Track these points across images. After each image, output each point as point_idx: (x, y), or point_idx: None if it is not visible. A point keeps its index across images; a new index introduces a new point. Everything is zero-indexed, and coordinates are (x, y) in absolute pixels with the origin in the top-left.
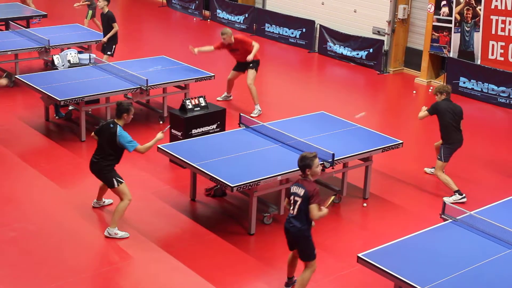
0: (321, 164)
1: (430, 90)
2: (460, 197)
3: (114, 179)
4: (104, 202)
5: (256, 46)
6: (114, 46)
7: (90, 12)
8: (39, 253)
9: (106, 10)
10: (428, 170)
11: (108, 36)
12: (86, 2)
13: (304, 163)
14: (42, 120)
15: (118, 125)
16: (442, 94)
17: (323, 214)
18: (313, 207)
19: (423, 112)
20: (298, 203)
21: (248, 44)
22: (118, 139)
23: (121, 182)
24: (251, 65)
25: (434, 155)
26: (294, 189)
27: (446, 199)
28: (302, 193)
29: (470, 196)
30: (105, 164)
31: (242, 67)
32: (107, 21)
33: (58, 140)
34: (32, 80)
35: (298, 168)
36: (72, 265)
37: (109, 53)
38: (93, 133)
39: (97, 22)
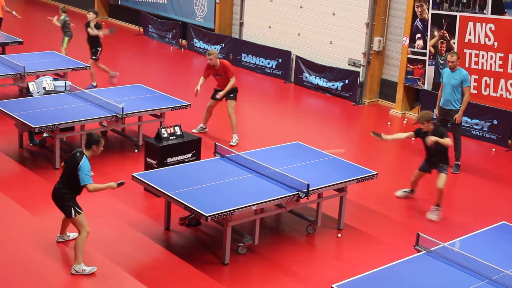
0: (296, 194)
1: (404, 122)
2: (439, 212)
3: (72, 208)
4: (68, 236)
5: (232, 81)
6: (99, 49)
7: (66, 39)
8: (11, 281)
9: (94, 22)
10: (399, 193)
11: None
12: (58, 24)
13: None
14: (16, 147)
15: (84, 155)
16: (429, 122)
17: None
18: None
19: (447, 140)
20: None
21: (229, 73)
22: (79, 169)
23: (79, 213)
24: (231, 95)
25: (408, 186)
26: None
27: (429, 215)
28: None
29: (444, 227)
30: (65, 192)
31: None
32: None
33: (32, 167)
34: (7, 107)
35: (272, 198)
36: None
37: (94, 57)
38: (63, 162)
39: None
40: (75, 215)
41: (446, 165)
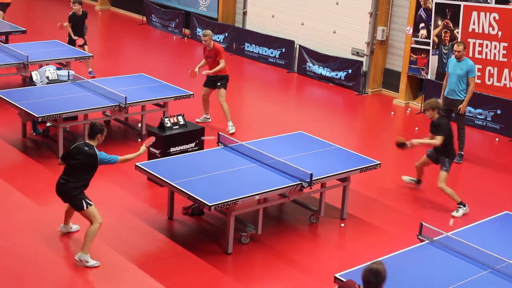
0: (299, 184)
1: (408, 112)
2: (465, 208)
3: (83, 201)
4: (71, 228)
5: (221, 64)
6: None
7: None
8: (15, 270)
9: (80, 12)
10: (405, 178)
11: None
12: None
13: (381, 278)
14: (19, 136)
15: (93, 146)
16: (434, 110)
17: None
18: None
19: (437, 140)
20: None
21: (220, 57)
22: (99, 161)
23: (90, 205)
24: (219, 84)
25: (412, 174)
26: None
27: (454, 214)
28: None
29: (447, 217)
30: (75, 186)
31: (211, 83)
32: (83, 20)
33: (35, 156)
34: (10, 96)
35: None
36: (53, 279)
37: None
38: (60, 160)
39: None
40: (87, 207)
41: (448, 160)
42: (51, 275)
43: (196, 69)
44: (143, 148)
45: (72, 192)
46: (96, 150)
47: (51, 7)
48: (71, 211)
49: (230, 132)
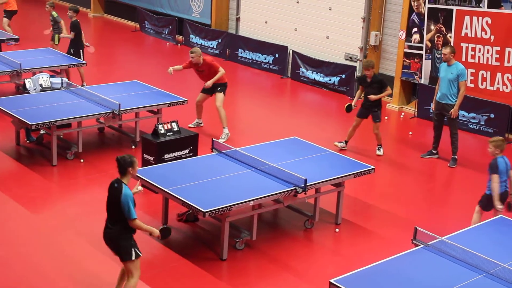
0: (293, 189)
1: (401, 116)
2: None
3: (133, 249)
4: None
5: (220, 72)
6: (81, 51)
7: (57, 36)
8: (2, 280)
9: (73, 19)
10: (338, 144)
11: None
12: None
13: None
14: (13, 144)
15: (123, 184)
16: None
17: None
18: None
19: (389, 90)
20: None
21: (215, 68)
22: (122, 198)
23: (138, 255)
24: (218, 88)
25: (405, 181)
26: None
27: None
28: None
29: (442, 221)
30: (120, 231)
31: (209, 90)
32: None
33: (29, 164)
34: (3, 104)
35: (269, 194)
36: None
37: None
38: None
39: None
40: (135, 258)
41: (379, 112)
42: (50, 280)
43: (171, 69)
44: (155, 231)
45: (117, 238)
46: (125, 188)
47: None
48: (124, 277)
49: (221, 141)
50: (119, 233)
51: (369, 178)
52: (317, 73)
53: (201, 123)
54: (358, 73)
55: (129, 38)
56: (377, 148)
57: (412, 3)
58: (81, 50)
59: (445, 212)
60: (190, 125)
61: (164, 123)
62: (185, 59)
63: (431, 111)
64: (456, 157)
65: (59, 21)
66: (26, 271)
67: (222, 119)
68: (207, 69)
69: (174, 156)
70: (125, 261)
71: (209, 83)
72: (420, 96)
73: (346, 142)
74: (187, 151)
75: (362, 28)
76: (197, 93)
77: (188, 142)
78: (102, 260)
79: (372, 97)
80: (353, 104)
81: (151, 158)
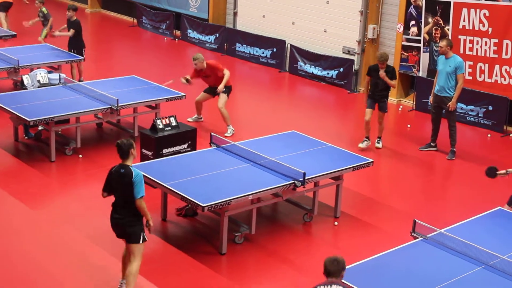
0: (292, 183)
1: (399, 109)
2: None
3: (142, 233)
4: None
5: (226, 74)
6: (83, 50)
7: (45, 31)
8: (2, 275)
9: (73, 18)
10: (362, 145)
11: (59, 34)
12: (39, 19)
13: (341, 267)
14: (11, 140)
15: (129, 166)
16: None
17: None
18: None
19: (395, 82)
20: None
21: (219, 70)
22: (135, 178)
23: (145, 240)
24: (224, 89)
25: (404, 173)
26: None
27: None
28: None
29: (440, 214)
30: (131, 218)
31: (213, 91)
32: (71, 28)
33: (28, 160)
34: (1, 100)
35: (268, 188)
36: (46, 285)
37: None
38: (104, 194)
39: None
40: (142, 242)
41: (386, 103)
42: (49, 276)
43: (184, 79)
44: (150, 218)
45: (129, 223)
46: (134, 169)
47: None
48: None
49: (229, 135)
50: (130, 217)
51: (368, 171)
52: (315, 66)
53: (201, 118)
54: (356, 67)
55: (127, 33)
56: (376, 140)
57: None
58: (83, 50)
59: (444, 204)
60: (189, 119)
61: (162, 118)
62: (183, 54)
63: (429, 104)
64: (454, 149)
65: (49, 18)
66: (26, 266)
67: (225, 118)
68: (211, 73)
69: (173, 150)
70: (133, 243)
71: (221, 87)
72: (418, 89)
73: (368, 137)
74: (185, 145)
75: (360, 21)
76: (195, 87)
77: (186, 137)
78: (101, 255)
79: (383, 77)
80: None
81: (150, 153)
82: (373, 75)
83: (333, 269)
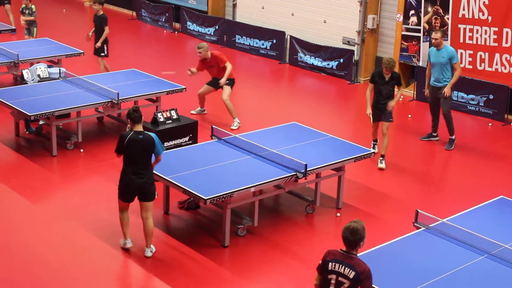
0: (294, 175)
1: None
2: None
3: (155, 191)
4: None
5: (228, 67)
6: (106, 47)
7: (35, 29)
8: (4, 270)
9: (100, 12)
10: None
11: (101, 39)
12: (31, 18)
13: (358, 236)
14: (12, 135)
15: (144, 131)
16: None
17: None
18: None
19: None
20: (345, 286)
21: (222, 62)
22: (157, 144)
23: (156, 195)
24: (227, 82)
25: (405, 163)
26: (337, 267)
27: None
28: (352, 275)
29: (442, 203)
30: (148, 177)
31: (216, 83)
32: (100, 23)
33: (29, 155)
34: (2, 95)
35: (270, 180)
36: (46, 279)
37: (103, 54)
38: (118, 155)
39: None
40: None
41: (391, 111)
42: (52, 270)
43: (190, 71)
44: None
45: (147, 183)
46: (148, 133)
47: (44, 5)
48: (128, 223)
49: (235, 128)
50: (151, 176)
51: (369, 162)
52: (315, 57)
53: (204, 110)
54: (356, 57)
55: (126, 26)
56: (379, 160)
57: None
58: (106, 46)
59: (446, 194)
60: (192, 112)
61: (163, 111)
62: (183, 47)
63: (426, 96)
64: (453, 137)
65: (35, 16)
66: (28, 260)
67: (230, 111)
68: (215, 63)
69: (174, 144)
70: (150, 201)
71: (223, 80)
72: (419, 78)
73: (376, 140)
74: (186, 138)
75: (360, 11)
76: (196, 80)
77: (187, 130)
78: (103, 249)
79: (390, 105)
80: (368, 113)
81: None
82: (378, 82)
83: (353, 238)
